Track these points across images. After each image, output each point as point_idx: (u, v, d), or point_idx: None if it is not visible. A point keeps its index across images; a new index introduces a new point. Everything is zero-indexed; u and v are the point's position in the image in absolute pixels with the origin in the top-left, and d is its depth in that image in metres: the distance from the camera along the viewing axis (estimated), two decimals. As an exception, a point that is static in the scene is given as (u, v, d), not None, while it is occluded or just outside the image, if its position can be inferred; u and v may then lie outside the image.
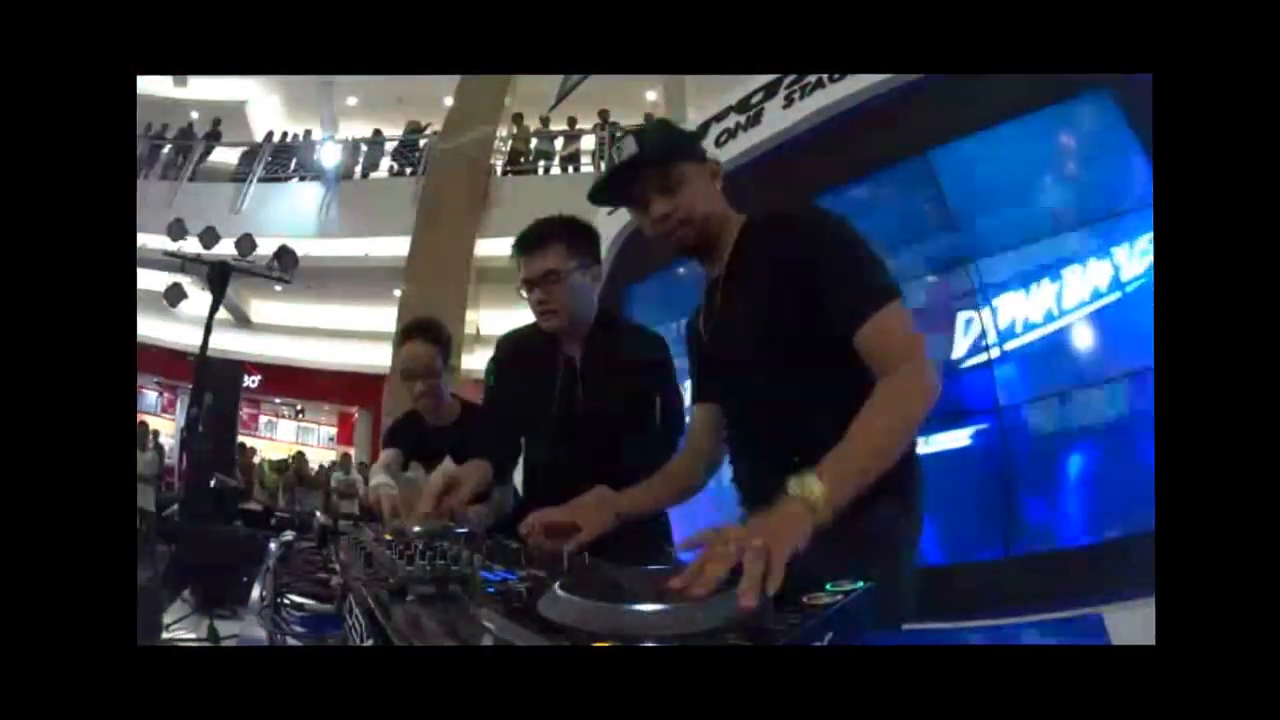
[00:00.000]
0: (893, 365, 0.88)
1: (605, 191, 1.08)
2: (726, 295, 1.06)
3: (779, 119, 3.17)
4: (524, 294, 1.40)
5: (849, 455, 0.79)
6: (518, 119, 9.39)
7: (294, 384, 11.61)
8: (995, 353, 2.44)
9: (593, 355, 1.42)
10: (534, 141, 9.42)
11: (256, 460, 9.32)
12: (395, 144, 10.13)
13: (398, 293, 8.40)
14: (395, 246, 8.53)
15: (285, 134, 10.93)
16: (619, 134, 1.07)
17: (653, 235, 1.05)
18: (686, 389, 1.30)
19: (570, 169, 9.11)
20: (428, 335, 1.84)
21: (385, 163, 10.08)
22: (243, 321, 10.94)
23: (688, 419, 1.27)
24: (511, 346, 1.53)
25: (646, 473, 1.16)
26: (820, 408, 0.89)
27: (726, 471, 1.19)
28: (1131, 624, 1.65)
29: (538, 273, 1.36)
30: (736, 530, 0.64)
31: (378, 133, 10.47)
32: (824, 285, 0.93)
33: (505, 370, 1.52)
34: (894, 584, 0.92)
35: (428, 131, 9.89)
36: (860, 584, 0.58)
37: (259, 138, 10.92)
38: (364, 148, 10.16)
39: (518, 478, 1.59)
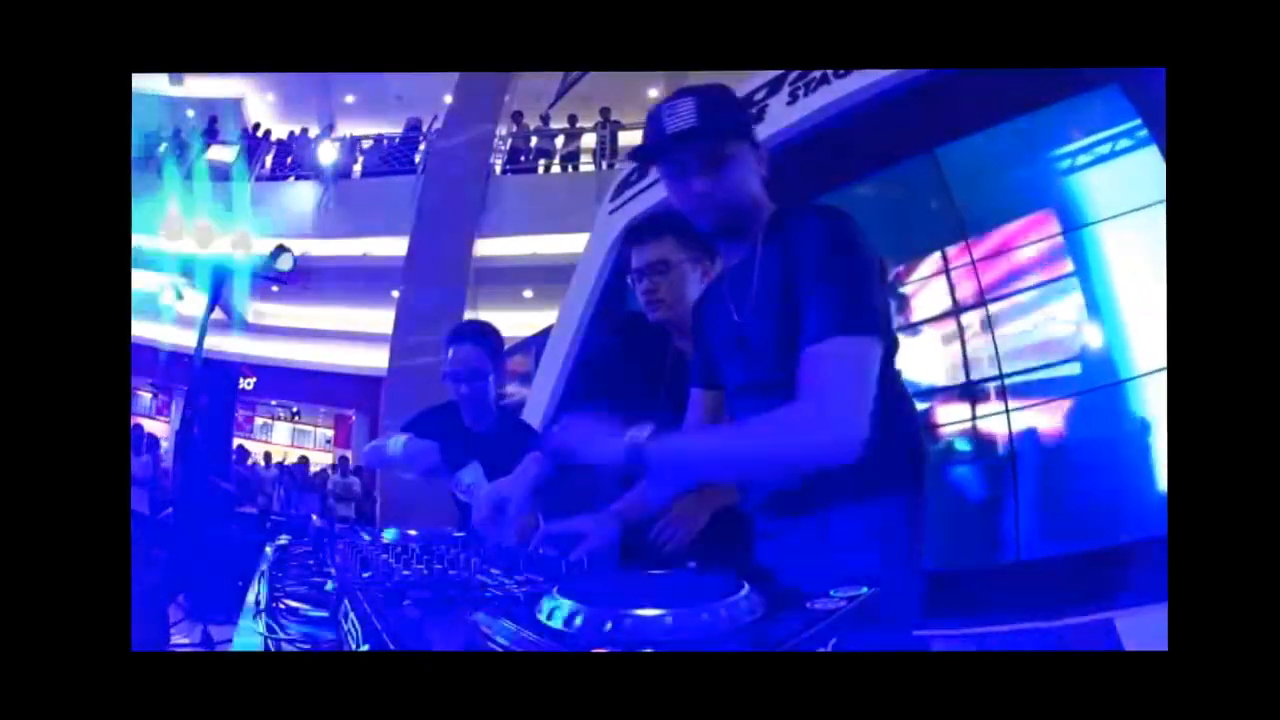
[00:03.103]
0: (818, 396, 0.81)
1: (647, 154, 1.03)
2: (759, 282, 1.00)
3: (782, 115, 3.15)
4: (633, 284, 1.39)
5: (688, 444, 0.76)
6: (517, 117, 9.37)
7: (290, 386, 11.57)
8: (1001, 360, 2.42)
9: None
10: (534, 140, 9.40)
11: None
12: (393, 142, 10.11)
13: (395, 294, 8.38)
14: (394, 246, 8.50)
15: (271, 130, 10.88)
16: (679, 90, 0.96)
17: (684, 209, 1.00)
18: None
19: (570, 167, 9.09)
20: (476, 337, 1.80)
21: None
22: (238, 322, 10.90)
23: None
24: (621, 335, 1.53)
25: None
26: None
27: None
28: (1144, 629, 1.64)
29: (647, 262, 1.35)
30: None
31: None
32: (809, 288, 0.88)
33: (611, 359, 1.54)
34: (899, 588, 0.90)
35: (427, 130, 9.88)
36: (864, 589, 0.57)
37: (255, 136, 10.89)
38: (362, 145, 10.14)
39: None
